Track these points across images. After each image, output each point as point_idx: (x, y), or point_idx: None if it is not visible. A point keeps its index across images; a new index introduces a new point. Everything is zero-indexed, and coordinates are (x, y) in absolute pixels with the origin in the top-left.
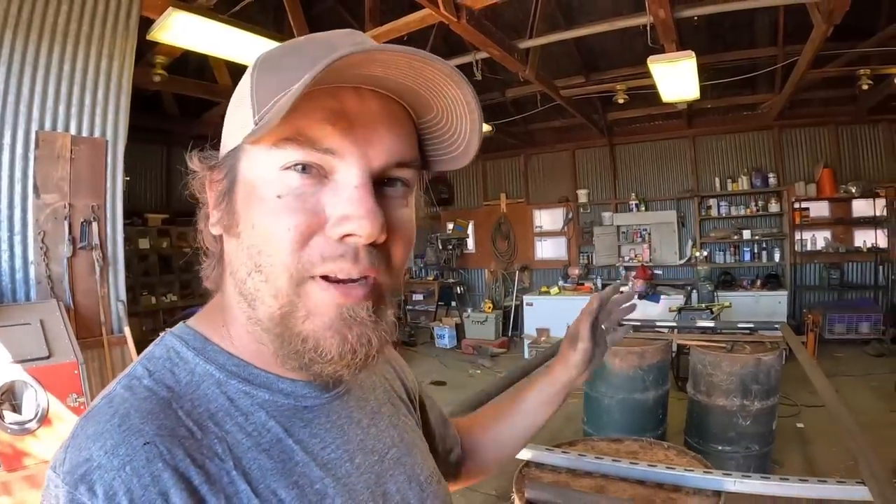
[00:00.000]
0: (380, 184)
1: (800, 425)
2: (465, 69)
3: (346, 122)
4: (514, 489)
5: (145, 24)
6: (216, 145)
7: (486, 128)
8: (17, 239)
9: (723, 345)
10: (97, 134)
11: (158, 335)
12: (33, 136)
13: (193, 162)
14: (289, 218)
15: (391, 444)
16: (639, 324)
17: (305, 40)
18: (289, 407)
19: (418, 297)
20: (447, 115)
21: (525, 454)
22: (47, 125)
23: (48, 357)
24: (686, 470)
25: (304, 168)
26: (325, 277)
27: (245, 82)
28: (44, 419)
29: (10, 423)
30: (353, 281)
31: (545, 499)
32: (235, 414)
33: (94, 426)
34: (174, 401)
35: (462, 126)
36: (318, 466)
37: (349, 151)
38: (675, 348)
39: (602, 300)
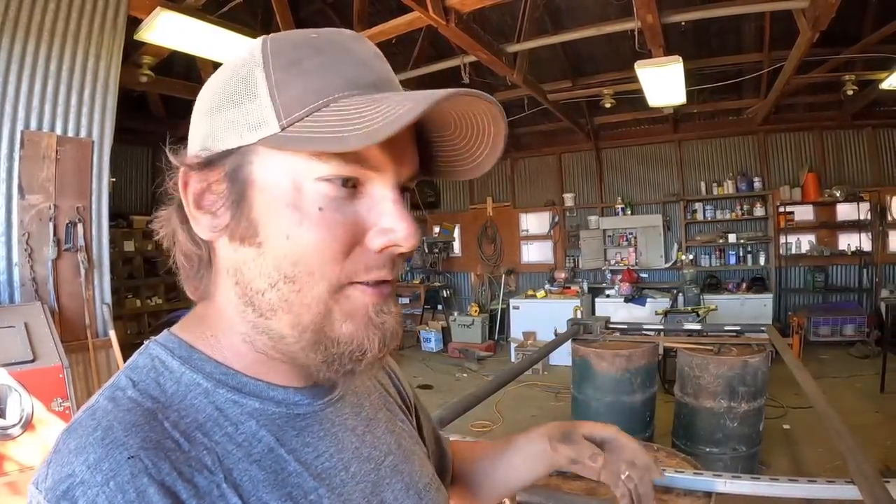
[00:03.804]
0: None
1: (786, 426)
2: (453, 73)
3: (386, 141)
4: None
5: (132, 24)
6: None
7: None
8: (2, 240)
9: (709, 347)
10: (83, 134)
11: (142, 342)
12: (18, 135)
13: (182, 158)
14: (333, 230)
15: (388, 452)
16: (625, 327)
17: (319, 38)
18: (280, 415)
19: (404, 300)
20: (468, 139)
21: None
22: (33, 125)
23: (33, 360)
24: (676, 471)
25: (345, 181)
26: (362, 282)
27: (252, 74)
28: (28, 424)
29: None
30: (384, 282)
31: (536, 502)
32: (224, 424)
33: (77, 440)
34: (160, 412)
35: (480, 152)
36: (311, 477)
37: (388, 168)
38: (661, 351)
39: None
